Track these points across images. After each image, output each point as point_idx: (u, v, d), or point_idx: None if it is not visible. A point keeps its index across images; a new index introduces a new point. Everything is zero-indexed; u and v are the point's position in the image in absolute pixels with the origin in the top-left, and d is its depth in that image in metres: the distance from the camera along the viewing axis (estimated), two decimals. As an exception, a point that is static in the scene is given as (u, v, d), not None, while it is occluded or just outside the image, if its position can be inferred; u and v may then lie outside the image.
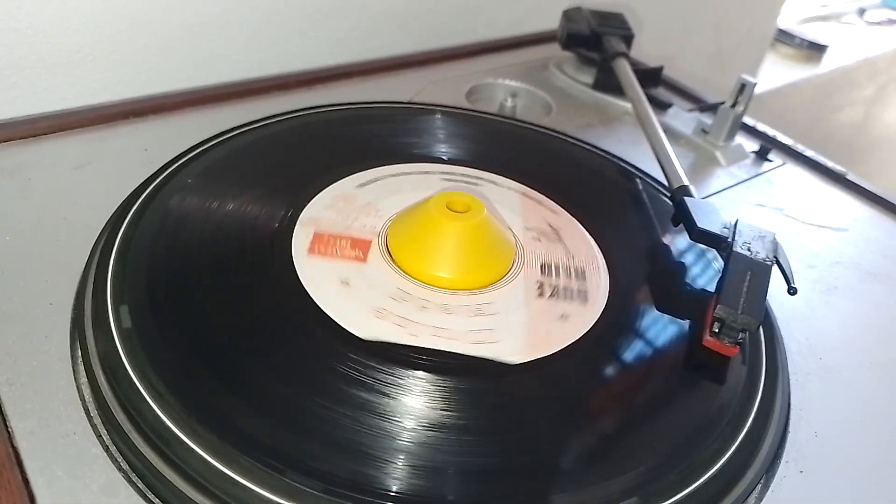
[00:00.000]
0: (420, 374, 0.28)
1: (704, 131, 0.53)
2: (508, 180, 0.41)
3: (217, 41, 0.53)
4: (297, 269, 0.32)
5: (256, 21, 0.54)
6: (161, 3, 0.49)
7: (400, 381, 0.28)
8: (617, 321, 0.33)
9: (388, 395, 0.27)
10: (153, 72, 0.51)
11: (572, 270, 0.35)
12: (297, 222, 0.35)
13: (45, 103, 0.47)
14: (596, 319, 0.32)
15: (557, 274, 0.34)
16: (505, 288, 0.33)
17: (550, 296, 0.33)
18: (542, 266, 0.35)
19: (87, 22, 0.47)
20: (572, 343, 0.31)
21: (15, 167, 0.39)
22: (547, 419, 0.28)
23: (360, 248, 0.34)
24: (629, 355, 0.31)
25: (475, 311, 0.32)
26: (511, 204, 0.39)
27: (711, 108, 0.57)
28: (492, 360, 0.29)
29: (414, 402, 0.27)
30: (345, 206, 0.37)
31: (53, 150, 0.41)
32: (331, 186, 0.38)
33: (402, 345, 0.29)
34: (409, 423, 0.26)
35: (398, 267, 0.33)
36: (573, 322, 0.32)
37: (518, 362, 0.29)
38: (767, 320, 0.35)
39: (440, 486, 0.25)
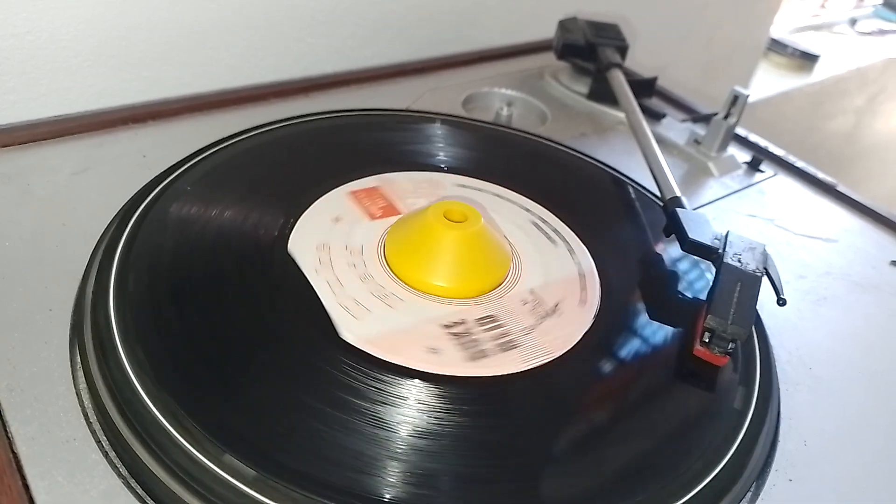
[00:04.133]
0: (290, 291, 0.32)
1: (697, 142, 0.54)
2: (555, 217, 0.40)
3: (215, 48, 0.53)
4: (323, 197, 0.38)
5: (254, 28, 0.54)
6: (159, 10, 0.49)
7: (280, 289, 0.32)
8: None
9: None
10: (151, 78, 0.51)
11: (507, 337, 0.32)
12: (378, 177, 0.40)
13: (43, 109, 0.47)
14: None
15: (490, 330, 0.32)
16: (427, 300, 0.33)
17: (457, 335, 0.31)
18: (484, 317, 0.32)
19: (86, 28, 0.47)
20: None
21: (14, 173, 0.39)
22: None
23: (385, 212, 0.37)
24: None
25: (380, 294, 0.33)
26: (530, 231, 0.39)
27: (704, 119, 0.58)
28: (328, 315, 0.31)
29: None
30: (426, 187, 0.40)
31: (52, 155, 0.41)
32: (432, 173, 0.42)
33: (303, 273, 0.33)
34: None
35: (384, 240, 0.36)
36: (441, 359, 0.30)
37: (345, 339, 0.30)
38: (758, 330, 0.35)
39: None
